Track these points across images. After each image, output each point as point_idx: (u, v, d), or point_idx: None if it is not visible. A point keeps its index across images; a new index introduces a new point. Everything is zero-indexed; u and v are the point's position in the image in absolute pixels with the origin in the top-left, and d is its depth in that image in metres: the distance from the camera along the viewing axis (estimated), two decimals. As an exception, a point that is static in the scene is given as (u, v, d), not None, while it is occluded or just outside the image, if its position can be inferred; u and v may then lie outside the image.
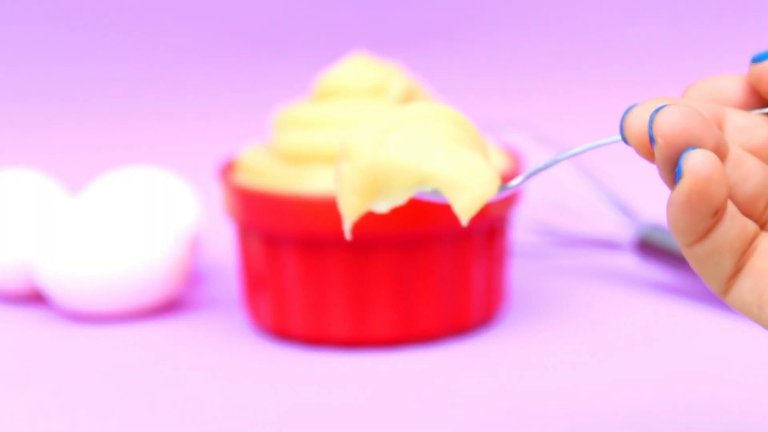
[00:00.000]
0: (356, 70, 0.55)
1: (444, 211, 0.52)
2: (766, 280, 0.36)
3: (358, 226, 0.52)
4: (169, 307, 0.59)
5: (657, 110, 0.36)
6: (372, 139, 0.37)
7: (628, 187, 0.73)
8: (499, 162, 0.56)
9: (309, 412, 0.51)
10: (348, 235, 0.38)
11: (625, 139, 0.38)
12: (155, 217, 0.57)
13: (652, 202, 0.71)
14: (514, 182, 0.38)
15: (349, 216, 0.38)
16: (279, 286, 0.54)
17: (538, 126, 0.80)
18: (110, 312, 0.57)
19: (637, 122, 0.37)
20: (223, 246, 0.64)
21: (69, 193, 0.62)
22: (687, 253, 0.36)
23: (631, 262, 0.63)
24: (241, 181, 0.55)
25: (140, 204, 0.57)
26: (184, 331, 0.57)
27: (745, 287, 0.36)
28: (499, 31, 0.84)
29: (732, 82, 0.39)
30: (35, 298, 0.60)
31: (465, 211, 0.37)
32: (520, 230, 0.66)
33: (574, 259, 0.64)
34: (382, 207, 0.38)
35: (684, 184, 0.35)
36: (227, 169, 0.56)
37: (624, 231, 0.62)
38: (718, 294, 0.37)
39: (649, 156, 0.37)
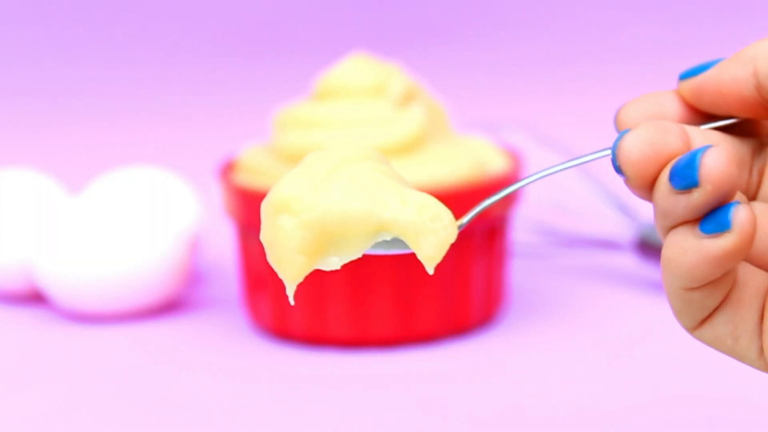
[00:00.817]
0: (356, 70, 0.55)
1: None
2: (743, 311, 0.36)
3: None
4: (169, 307, 0.59)
5: (702, 151, 0.34)
6: (312, 188, 0.33)
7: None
8: (499, 162, 0.56)
9: (309, 411, 0.51)
10: (292, 300, 0.34)
11: (618, 168, 0.36)
12: (155, 217, 0.57)
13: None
14: (465, 219, 0.36)
15: (295, 279, 0.33)
16: (279, 286, 0.54)
17: (538, 126, 0.80)
18: (110, 312, 0.57)
19: (641, 153, 0.36)
20: (223, 246, 0.64)
21: (69, 193, 0.62)
22: (682, 296, 0.35)
23: (631, 262, 0.63)
24: (241, 181, 0.55)
25: (140, 204, 0.57)
26: (184, 331, 0.57)
27: (720, 319, 0.36)
28: (499, 31, 0.84)
29: (670, 99, 0.39)
30: (35, 298, 0.60)
31: (432, 258, 0.34)
32: (520, 230, 0.66)
33: (574, 259, 0.64)
34: (334, 263, 0.34)
35: (731, 240, 0.34)
36: (227, 169, 0.56)
37: (624, 231, 0.62)
38: (688, 329, 0.36)
39: (643, 190, 0.36)
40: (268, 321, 0.55)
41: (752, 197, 0.39)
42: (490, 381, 0.52)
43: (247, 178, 0.55)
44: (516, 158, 0.56)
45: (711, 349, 0.54)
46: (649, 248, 0.59)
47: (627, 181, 0.37)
